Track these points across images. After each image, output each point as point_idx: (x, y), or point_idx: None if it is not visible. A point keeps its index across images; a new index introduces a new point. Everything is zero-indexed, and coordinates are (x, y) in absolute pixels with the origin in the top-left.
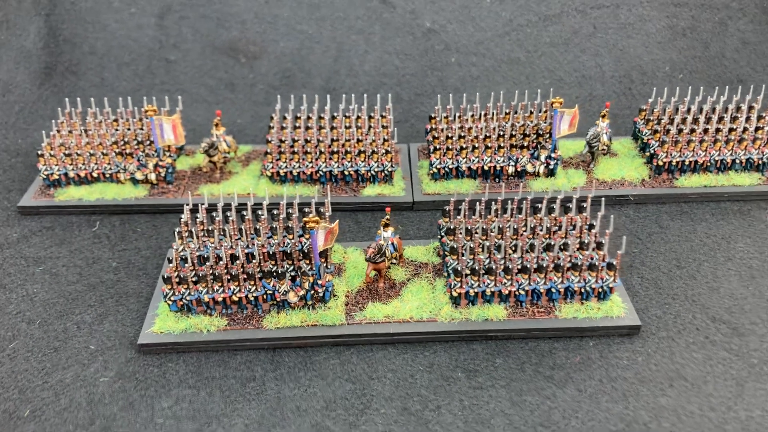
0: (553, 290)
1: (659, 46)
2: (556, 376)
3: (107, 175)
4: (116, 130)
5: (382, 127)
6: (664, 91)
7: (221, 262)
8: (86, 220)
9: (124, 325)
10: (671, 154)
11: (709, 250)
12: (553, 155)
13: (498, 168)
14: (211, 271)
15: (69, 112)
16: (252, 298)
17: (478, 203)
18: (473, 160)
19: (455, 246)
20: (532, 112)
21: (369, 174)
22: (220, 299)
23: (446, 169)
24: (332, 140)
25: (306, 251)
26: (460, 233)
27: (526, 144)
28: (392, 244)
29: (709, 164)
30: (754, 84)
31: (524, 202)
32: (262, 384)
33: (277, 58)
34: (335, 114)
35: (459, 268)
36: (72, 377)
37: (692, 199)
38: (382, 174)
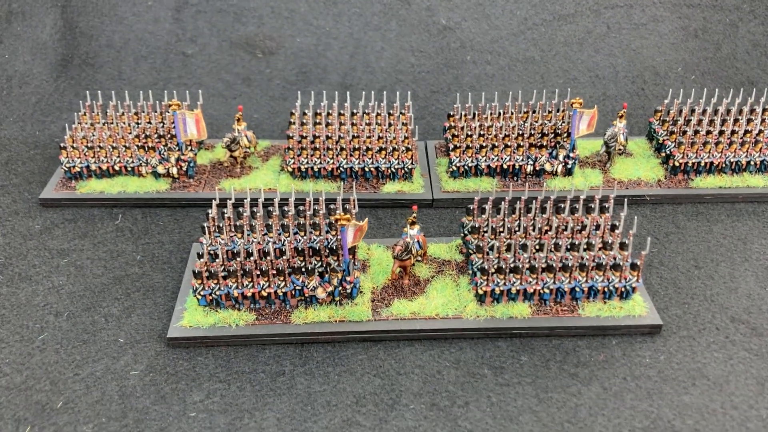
0: (577, 289)
1: (672, 47)
2: (580, 374)
3: (129, 169)
4: (137, 123)
5: (402, 124)
6: (678, 92)
7: (251, 258)
8: (108, 213)
9: (152, 319)
10: (687, 155)
11: (725, 250)
12: (571, 155)
13: (516, 167)
14: (240, 267)
15: (90, 105)
16: (281, 293)
17: (501, 202)
18: (492, 159)
19: (480, 244)
20: (550, 112)
21: (389, 171)
22: (249, 294)
23: (466, 167)
24: (353, 137)
25: (333, 248)
26: (485, 232)
27: (544, 143)
28: (417, 241)
29: (724, 165)
30: (765, 86)
31: (548, 201)
32: (292, 378)
33: (293, 54)
34: (355, 111)
35: (486, 267)
36: (102, 370)
37: (707, 200)
38: (402, 171)
